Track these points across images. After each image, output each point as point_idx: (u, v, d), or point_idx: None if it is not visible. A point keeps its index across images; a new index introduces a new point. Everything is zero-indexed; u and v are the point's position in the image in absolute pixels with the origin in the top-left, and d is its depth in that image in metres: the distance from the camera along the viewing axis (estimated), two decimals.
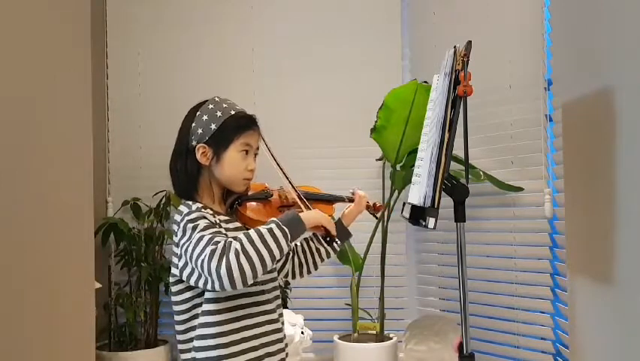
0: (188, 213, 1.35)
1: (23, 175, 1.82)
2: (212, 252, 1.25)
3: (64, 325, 1.97)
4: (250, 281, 1.26)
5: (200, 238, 1.28)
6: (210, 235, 1.29)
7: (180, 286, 1.41)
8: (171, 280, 1.42)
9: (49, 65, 1.97)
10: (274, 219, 1.35)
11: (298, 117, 3.30)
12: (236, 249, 1.25)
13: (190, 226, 1.32)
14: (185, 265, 1.33)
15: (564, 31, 2.02)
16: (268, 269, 1.30)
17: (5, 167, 1.73)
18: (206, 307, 1.38)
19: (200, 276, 1.29)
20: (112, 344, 3.10)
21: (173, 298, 1.43)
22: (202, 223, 1.33)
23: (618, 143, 1.52)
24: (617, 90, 1.54)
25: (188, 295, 1.40)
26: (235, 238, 1.28)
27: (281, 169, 1.54)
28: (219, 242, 1.27)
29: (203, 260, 1.25)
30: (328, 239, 1.55)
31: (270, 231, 1.30)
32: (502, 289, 2.67)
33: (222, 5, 3.42)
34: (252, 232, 1.30)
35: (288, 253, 1.64)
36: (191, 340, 1.41)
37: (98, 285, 2.37)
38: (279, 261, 1.61)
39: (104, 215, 3.28)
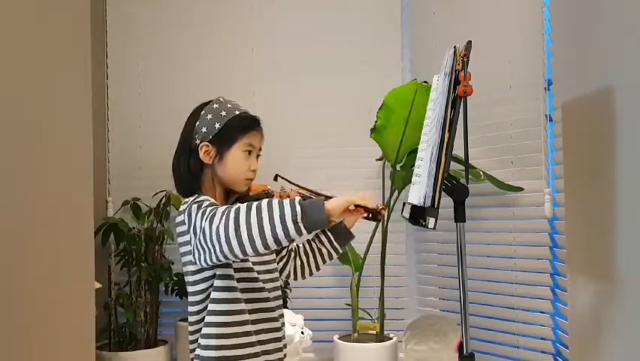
0: (195, 198, 1.38)
1: (23, 175, 1.82)
2: (212, 215, 1.25)
3: (64, 325, 1.97)
4: (247, 246, 1.20)
5: (203, 212, 1.29)
6: (213, 207, 1.30)
7: (196, 277, 1.42)
8: (191, 269, 1.42)
9: (49, 65, 1.97)
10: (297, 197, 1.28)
11: (298, 117, 3.30)
12: (237, 208, 1.23)
13: (195, 207, 1.34)
14: (195, 245, 1.32)
15: (564, 31, 2.02)
16: (268, 242, 1.20)
17: (5, 167, 1.73)
18: (214, 295, 1.40)
19: (202, 249, 1.26)
20: (112, 344, 3.10)
21: (189, 289, 1.44)
22: (206, 202, 1.34)
23: (618, 143, 1.52)
24: (617, 90, 1.54)
25: (203, 285, 1.41)
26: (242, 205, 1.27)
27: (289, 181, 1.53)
28: (219, 208, 1.27)
29: (204, 227, 1.25)
30: (371, 216, 1.33)
31: (280, 203, 1.22)
32: (502, 289, 2.67)
33: (222, 5, 3.42)
34: (263, 200, 1.24)
35: (290, 253, 1.64)
36: (200, 330, 1.43)
37: (98, 285, 2.37)
38: (282, 248, 1.57)
39: (104, 215, 3.28)
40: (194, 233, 1.30)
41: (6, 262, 1.72)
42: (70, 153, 2.05)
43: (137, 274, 3.10)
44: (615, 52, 1.55)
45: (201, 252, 1.28)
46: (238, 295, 1.41)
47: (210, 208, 1.29)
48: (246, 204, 1.24)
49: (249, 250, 1.21)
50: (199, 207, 1.32)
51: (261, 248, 1.22)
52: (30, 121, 1.86)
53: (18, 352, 1.76)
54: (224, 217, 1.23)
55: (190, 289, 1.44)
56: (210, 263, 1.29)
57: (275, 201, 1.22)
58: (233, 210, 1.23)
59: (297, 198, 1.23)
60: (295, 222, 1.19)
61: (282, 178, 1.53)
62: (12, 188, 1.76)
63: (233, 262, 1.39)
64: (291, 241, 1.22)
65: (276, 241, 1.21)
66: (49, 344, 1.89)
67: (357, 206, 1.32)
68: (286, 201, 1.22)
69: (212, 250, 1.24)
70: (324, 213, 1.22)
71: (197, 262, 1.32)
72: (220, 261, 1.27)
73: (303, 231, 1.21)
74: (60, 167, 1.99)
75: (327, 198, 1.55)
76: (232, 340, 1.40)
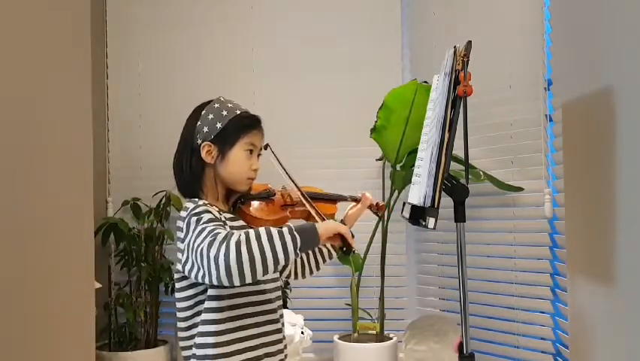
0: (194, 208, 1.35)
1: (23, 175, 1.82)
2: (212, 241, 1.23)
3: (64, 325, 1.97)
4: (247, 277, 1.20)
5: (202, 230, 1.27)
6: (212, 227, 1.28)
7: (184, 283, 1.40)
8: (176, 276, 1.42)
9: (49, 65, 1.97)
10: (289, 224, 1.32)
11: (298, 117, 3.30)
12: (238, 239, 1.21)
13: (194, 219, 1.32)
14: (187, 259, 1.30)
15: (564, 31, 2.02)
16: (269, 271, 1.23)
17: (5, 167, 1.73)
18: (208, 304, 1.38)
19: (199, 268, 1.25)
20: (112, 344, 3.10)
21: (177, 295, 1.43)
22: (206, 217, 1.32)
23: (618, 143, 1.52)
24: (617, 90, 1.54)
25: (191, 292, 1.40)
26: (241, 233, 1.26)
27: (284, 170, 1.54)
28: (220, 233, 1.25)
29: (202, 249, 1.23)
30: (345, 249, 1.42)
31: (280, 233, 1.25)
32: (502, 289, 2.67)
33: (222, 5, 3.42)
34: (261, 229, 1.26)
35: None
36: (192, 337, 1.40)
37: (98, 285, 2.37)
38: (283, 268, 1.60)
39: (104, 215, 3.28)
40: (190, 248, 1.28)
41: (6, 262, 1.72)
42: (70, 153, 2.05)
43: (137, 274, 3.10)
44: (615, 52, 1.55)
45: (195, 269, 1.27)
46: (237, 300, 1.40)
47: (209, 229, 1.27)
48: (243, 233, 1.24)
49: (248, 279, 1.22)
50: (198, 222, 1.30)
51: (260, 276, 1.23)
52: (30, 121, 1.86)
53: (18, 352, 1.76)
54: (224, 247, 1.21)
55: (177, 295, 1.42)
56: (202, 282, 1.28)
57: (273, 232, 1.25)
58: (233, 240, 1.21)
59: (291, 227, 1.28)
60: (295, 250, 1.25)
61: (272, 151, 1.52)
62: (12, 188, 1.76)
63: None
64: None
65: (276, 268, 1.25)
66: (49, 344, 1.89)
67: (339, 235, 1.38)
68: (285, 231, 1.26)
69: (208, 274, 1.23)
70: (317, 240, 1.30)
71: (188, 274, 1.31)
72: (213, 284, 1.26)
73: (299, 254, 1.28)
74: (60, 167, 1.99)
75: (321, 198, 1.58)
76: (232, 346, 1.38)
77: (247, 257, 1.20)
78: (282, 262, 1.23)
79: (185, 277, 1.39)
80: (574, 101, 1.85)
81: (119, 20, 3.45)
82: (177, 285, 1.42)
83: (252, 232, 1.25)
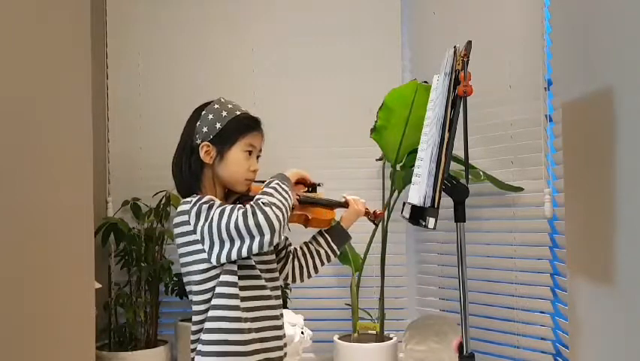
0: (201, 198, 1.39)
1: (23, 175, 1.82)
2: (244, 213, 1.31)
3: (64, 325, 1.97)
4: (282, 233, 1.33)
5: (223, 211, 1.34)
6: (231, 205, 1.36)
7: (204, 276, 1.40)
8: (199, 268, 1.40)
9: (49, 65, 1.97)
10: (272, 178, 1.44)
11: (298, 117, 3.30)
12: (264, 202, 1.33)
13: (205, 206, 1.36)
14: (213, 243, 1.34)
15: (564, 31, 2.02)
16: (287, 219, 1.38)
17: (5, 167, 1.73)
18: (219, 290, 1.40)
19: (232, 243, 1.32)
20: (112, 344, 3.10)
21: (195, 288, 1.42)
22: (217, 202, 1.38)
23: (618, 143, 1.52)
24: (617, 90, 1.54)
25: (211, 284, 1.40)
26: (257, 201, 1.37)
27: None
28: (241, 206, 1.34)
29: (237, 223, 1.31)
30: (309, 190, 1.59)
31: (278, 185, 1.40)
32: (502, 289, 2.67)
33: (222, 5, 3.42)
34: (266, 189, 1.39)
35: (288, 255, 1.64)
36: (203, 327, 1.42)
37: (98, 285, 2.37)
38: (282, 268, 1.62)
39: (104, 215, 3.28)
40: (216, 229, 1.33)
41: (6, 263, 1.72)
42: (70, 153, 2.05)
43: (137, 274, 3.10)
44: (615, 52, 1.55)
45: (227, 247, 1.33)
46: (242, 293, 1.41)
47: (230, 207, 1.35)
48: (259, 200, 1.35)
49: (282, 235, 1.35)
50: (211, 207, 1.35)
51: (285, 225, 1.37)
52: (30, 121, 1.86)
53: (18, 352, 1.76)
54: (259, 212, 1.31)
55: (196, 288, 1.41)
56: (235, 258, 1.34)
57: (276, 186, 1.40)
58: (263, 204, 1.33)
59: (277, 179, 1.43)
60: (291, 195, 1.42)
61: None
62: (12, 188, 1.76)
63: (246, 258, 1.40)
64: None
65: (290, 211, 1.40)
66: (49, 344, 1.90)
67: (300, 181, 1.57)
68: (279, 183, 1.41)
69: (249, 242, 1.31)
70: (289, 179, 1.48)
71: (218, 258, 1.35)
72: (251, 253, 1.33)
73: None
74: (60, 167, 2.00)
75: (319, 203, 1.66)
76: (234, 335, 1.39)
77: (280, 213, 1.33)
78: (290, 207, 1.39)
79: (209, 269, 1.39)
80: (574, 101, 1.85)
81: (119, 20, 3.44)
82: (198, 277, 1.40)
83: (261, 196, 1.37)
